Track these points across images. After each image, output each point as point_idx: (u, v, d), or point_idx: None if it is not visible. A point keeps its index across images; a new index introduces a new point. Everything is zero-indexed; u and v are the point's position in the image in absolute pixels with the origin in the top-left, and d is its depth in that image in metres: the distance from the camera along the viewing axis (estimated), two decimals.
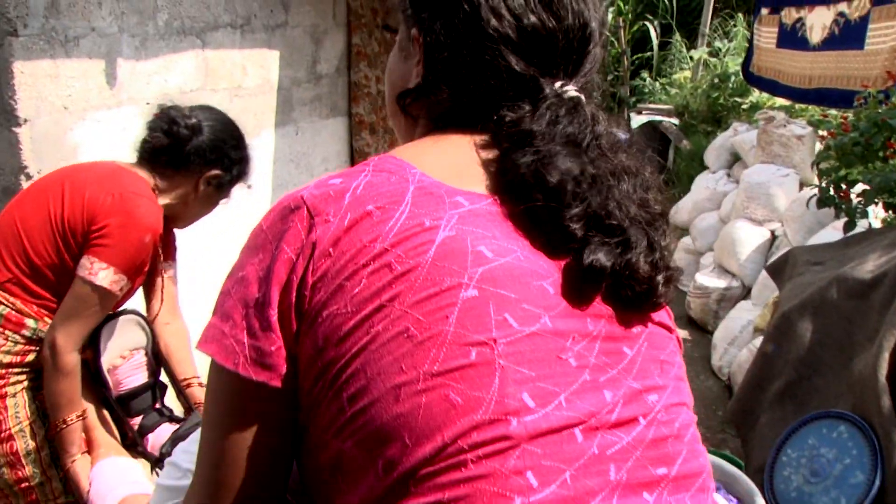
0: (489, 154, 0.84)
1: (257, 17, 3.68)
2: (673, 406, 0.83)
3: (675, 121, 8.25)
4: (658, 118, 8.40)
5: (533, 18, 0.84)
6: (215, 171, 2.05)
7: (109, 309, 1.87)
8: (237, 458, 0.78)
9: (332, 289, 0.74)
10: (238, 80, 3.61)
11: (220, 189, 2.11)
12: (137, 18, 2.82)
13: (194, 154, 1.99)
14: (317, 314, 0.75)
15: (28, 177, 2.46)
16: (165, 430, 2.02)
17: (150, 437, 2.02)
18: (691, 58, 9.16)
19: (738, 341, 4.46)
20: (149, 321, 2.13)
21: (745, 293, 5.07)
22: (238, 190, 3.67)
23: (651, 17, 11.02)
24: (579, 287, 0.78)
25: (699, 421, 3.22)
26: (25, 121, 2.42)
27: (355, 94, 4.80)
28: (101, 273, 1.75)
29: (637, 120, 8.58)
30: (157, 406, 2.09)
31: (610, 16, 11.18)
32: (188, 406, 2.17)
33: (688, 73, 9.14)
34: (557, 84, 0.86)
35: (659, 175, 0.89)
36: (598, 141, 0.84)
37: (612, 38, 11.19)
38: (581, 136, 0.82)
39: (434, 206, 0.77)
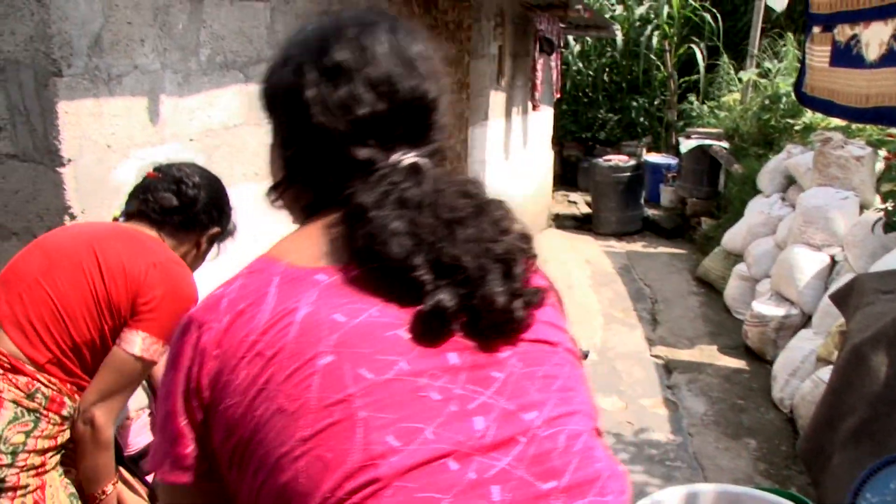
0: (340, 231, 0.91)
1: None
2: (556, 419, 0.87)
3: (726, 144, 8.08)
4: (708, 142, 8.24)
5: (363, 109, 0.92)
6: (216, 229, 2.06)
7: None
8: None
9: (221, 385, 0.84)
10: None
11: (214, 244, 2.12)
12: (180, 55, 2.79)
13: (203, 214, 2.00)
14: (215, 410, 0.85)
15: (72, 216, 2.42)
16: None
17: None
18: (740, 79, 8.99)
19: (800, 372, 4.29)
20: (150, 381, 2.09)
21: (805, 321, 4.89)
22: (283, 225, 3.63)
23: (697, 40, 10.87)
24: (430, 329, 0.84)
25: (761, 456, 3.05)
26: (69, 161, 2.39)
27: None
28: (151, 347, 1.73)
29: (686, 144, 8.43)
30: None
31: (655, 39, 11.08)
32: None
33: (737, 96, 8.97)
34: (394, 157, 0.93)
35: (508, 212, 0.95)
36: (437, 198, 0.89)
37: (659, 62, 11.09)
38: (416, 198, 0.88)
39: (296, 290, 0.86)
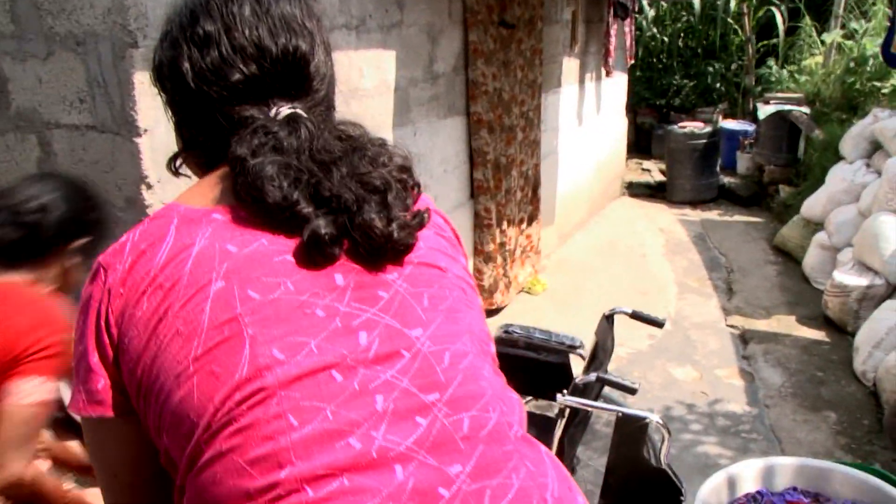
0: (229, 180, 0.98)
1: (372, 18, 3.64)
2: (442, 336, 0.95)
3: (806, 109, 7.81)
4: (787, 107, 7.98)
5: (235, 74, 0.99)
6: (79, 242, 1.84)
7: None
8: (116, 479, 1.01)
9: (126, 319, 0.92)
10: (355, 83, 3.58)
11: (90, 251, 1.86)
12: None
13: (56, 235, 1.78)
14: (121, 343, 0.92)
15: (148, 186, 2.48)
16: None
17: None
18: (823, 42, 8.66)
19: (884, 344, 4.14)
20: None
21: (890, 292, 4.72)
22: None
23: (777, 2, 10.48)
24: (312, 253, 0.92)
25: (842, 430, 2.95)
26: (145, 131, 2.43)
27: (473, 93, 4.72)
28: (44, 388, 1.64)
29: (764, 110, 8.18)
30: None
31: (733, 2, 10.73)
32: None
33: (819, 59, 8.65)
34: (273, 111, 1.00)
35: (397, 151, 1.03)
36: (313, 143, 0.96)
37: (736, 26, 10.74)
38: (293, 144, 0.95)
39: (194, 228, 0.94)
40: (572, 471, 2.86)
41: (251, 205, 0.94)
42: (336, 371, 0.88)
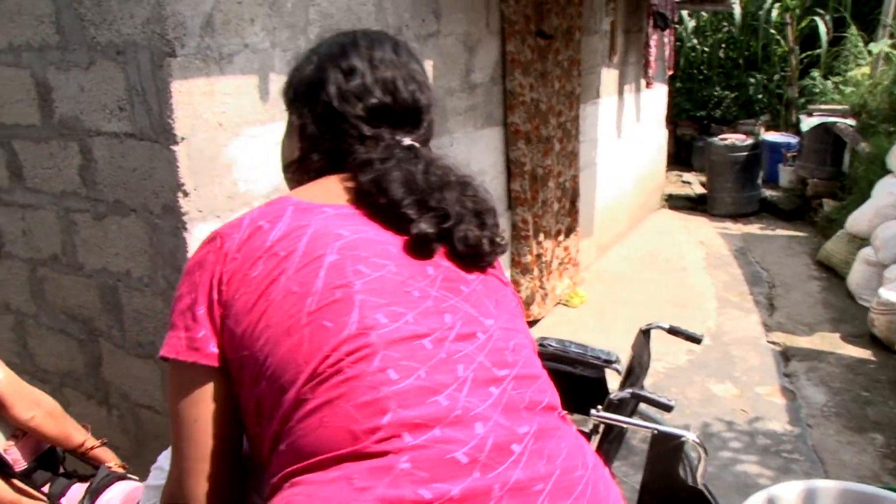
0: (347, 181, 1.18)
1: (409, 27, 3.63)
2: (507, 329, 1.14)
3: (851, 121, 7.65)
4: (832, 119, 7.82)
5: (372, 99, 1.21)
6: None
7: None
8: (195, 428, 1.07)
9: (239, 279, 1.05)
10: None
11: None
12: (289, 33, 2.81)
13: None
14: (232, 299, 1.05)
15: (185, 193, 2.48)
16: (76, 490, 2.17)
17: (63, 501, 2.15)
18: (870, 52, 8.48)
19: None
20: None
21: None
22: None
23: (821, 11, 10.31)
24: (415, 247, 1.11)
25: (890, 453, 2.85)
26: (182, 139, 2.44)
27: (511, 103, 4.69)
28: None
29: (808, 122, 8.03)
30: (62, 471, 2.24)
31: (775, 12, 10.59)
32: (95, 467, 2.26)
33: (866, 70, 8.48)
34: (398, 136, 1.21)
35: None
36: (429, 167, 1.17)
37: (779, 37, 10.59)
38: (413, 165, 1.16)
39: (307, 215, 1.11)
40: None
41: (369, 201, 1.14)
42: (427, 341, 1.04)
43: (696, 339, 2.67)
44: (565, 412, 1.17)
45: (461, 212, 1.15)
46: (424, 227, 1.11)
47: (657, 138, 8.48)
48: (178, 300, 1.10)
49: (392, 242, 1.12)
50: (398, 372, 1.00)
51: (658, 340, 2.83)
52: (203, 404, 1.07)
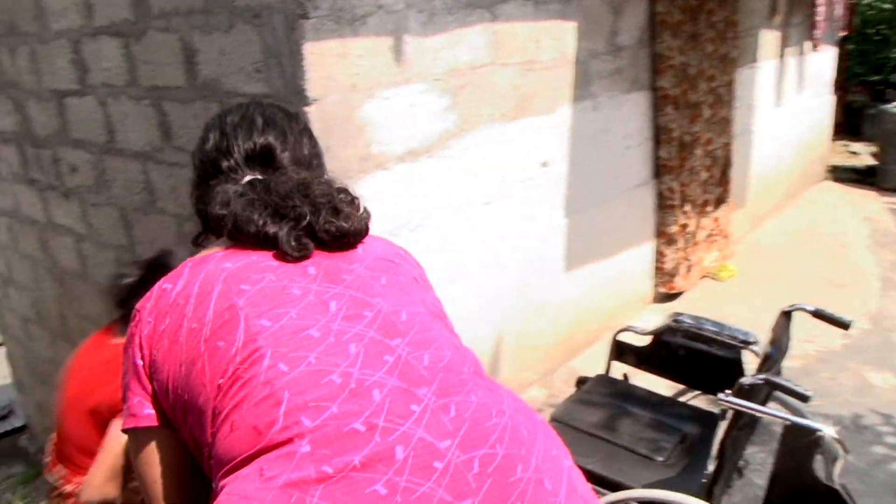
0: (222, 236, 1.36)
1: None
2: (398, 301, 1.25)
3: None
4: None
5: (224, 163, 1.40)
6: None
7: None
8: (154, 487, 1.23)
9: (155, 337, 1.21)
10: (531, 54, 3.48)
11: None
12: None
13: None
14: (153, 356, 1.21)
15: None
16: None
17: None
18: None
19: None
20: None
21: None
22: (533, 168, 3.58)
23: None
24: (287, 252, 1.25)
25: None
26: (315, 100, 2.46)
27: (659, 67, 4.48)
28: None
29: None
30: None
31: None
32: None
33: None
34: (242, 179, 1.36)
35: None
36: (269, 186, 1.31)
37: None
38: (250, 191, 1.31)
39: (201, 265, 1.25)
40: (739, 473, 2.66)
41: (239, 238, 1.29)
42: (313, 330, 1.14)
43: (843, 325, 2.45)
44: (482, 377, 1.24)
45: (313, 209, 1.28)
46: (283, 236, 1.25)
47: (822, 105, 7.92)
48: (124, 376, 1.26)
49: (272, 259, 1.25)
50: (288, 364, 1.10)
51: (811, 320, 2.63)
52: (154, 463, 1.23)
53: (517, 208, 3.61)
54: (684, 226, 4.97)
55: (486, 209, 3.40)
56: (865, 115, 9.88)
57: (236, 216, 1.27)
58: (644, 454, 2.39)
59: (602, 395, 2.75)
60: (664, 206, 4.81)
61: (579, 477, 1.18)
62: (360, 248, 1.34)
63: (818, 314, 2.49)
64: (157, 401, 1.21)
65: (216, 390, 1.11)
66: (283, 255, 1.25)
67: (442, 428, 1.08)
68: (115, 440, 1.93)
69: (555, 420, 2.56)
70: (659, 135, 4.67)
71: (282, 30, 2.42)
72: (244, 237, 1.27)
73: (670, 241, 4.88)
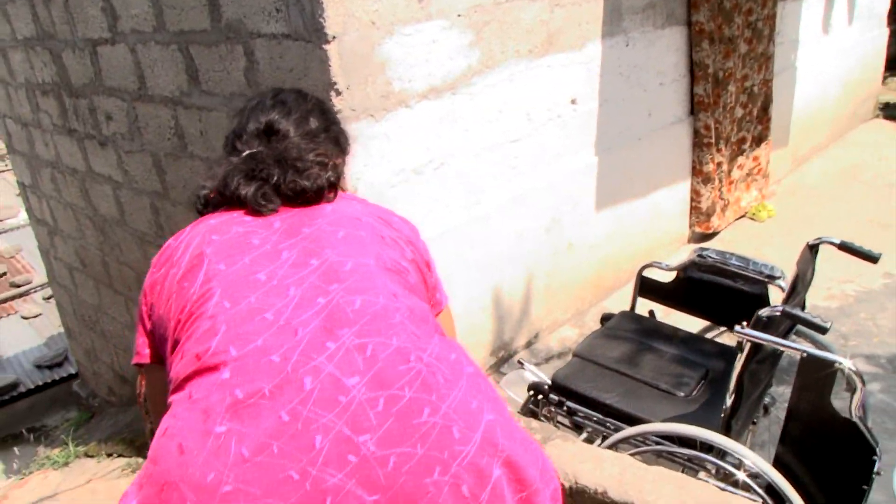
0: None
1: None
2: (347, 252, 1.36)
3: None
4: None
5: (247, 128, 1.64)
6: None
7: None
8: (155, 403, 1.50)
9: (156, 284, 1.43)
10: None
11: None
12: None
13: None
14: (153, 299, 1.43)
15: (338, 92, 2.51)
16: None
17: None
18: None
19: None
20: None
21: None
22: (561, 106, 3.53)
23: None
24: (252, 208, 1.46)
25: None
26: (334, 37, 2.45)
27: (695, 1, 4.36)
28: None
29: None
30: None
31: None
32: None
33: None
34: (247, 151, 1.58)
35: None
36: (256, 157, 1.54)
37: None
38: (239, 162, 1.55)
39: (198, 224, 1.48)
40: (766, 411, 2.64)
41: (222, 201, 1.51)
42: (261, 274, 1.30)
43: (872, 258, 2.40)
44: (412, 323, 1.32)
45: (281, 171, 1.48)
46: (248, 192, 1.46)
47: (874, 38, 7.64)
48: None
49: (245, 215, 1.45)
50: (231, 301, 1.25)
51: (852, 260, 2.56)
52: (153, 392, 1.48)
53: (546, 146, 3.57)
54: (720, 164, 4.88)
55: (513, 147, 3.37)
56: None
57: (220, 182, 1.51)
58: (665, 389, 2.39)
59: (626, 331, 2.74)
60: (700, 143, 4.72)
61: (507, 434, 1.19)
62: (330, 206, 1.50)
63: (844, 247, 2.44)
64: (153, 340, 1.44)
65: (176, 324, 1.29)
66: (253, 211, 1.45)
67: (353, 366, 1.16)
68: None
69: (576, 355, 2.57)
70: (695, 71, 4.56)
71: None
72: (225, 199, 1.50)
73: (706, 179, 4.79)
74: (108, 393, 5.95)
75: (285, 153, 1.52)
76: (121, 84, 3.69)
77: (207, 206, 2.17)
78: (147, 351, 1.45)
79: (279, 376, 1.13)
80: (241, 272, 1.29)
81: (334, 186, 1.58)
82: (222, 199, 1.51)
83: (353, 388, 1.13)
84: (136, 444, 4.39)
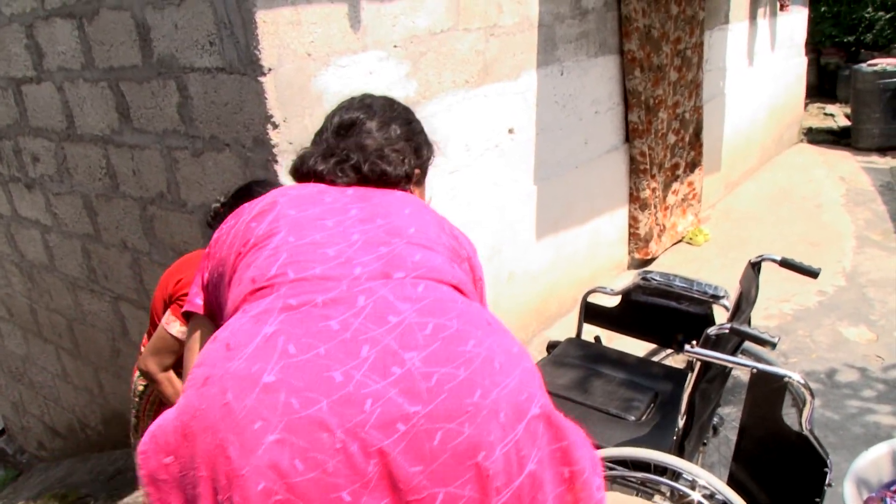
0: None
1: None
2: (412, 223, 1.38)
3: None
4: None
5: (333, 124, 1.64)
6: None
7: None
8: (192, 354, 1.45)
9: (220, 242, 1.44)
10: (493, 18, 3.43)
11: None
12: None
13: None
14: (215, 260, 1.43)
15: (274, 125, 2.47)
16: None
17: None
18: None
19: None
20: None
21: None
22: (499, 135, 3.54)
23: None
24: (328, 177, 1.51)
25: None
26: (269, 70, 2.41)
27: (626, 30, 4.44)
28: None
29: None
30: None
31: None
32: None
33: None
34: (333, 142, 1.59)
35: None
36: (338, 145, 1.56)
37: None
38: (329, 150, 1.55)
39: (273, 195, 1.46)
40: (715, 431, 2.65)
41: (299, 176, 1.56)
42: (329, 221, 1.35)
43: (811, 273, 2.44)
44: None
45: (365, 154, 1.51)
46: (328, 166, 1.50)
47: (795, 67, 7.92)
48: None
49: (327, 193, 1.44)
50: (296, 237, 1.30)
51: (786, 279, 2.61)
52: (194, 343, 1.45)
53: (484, 176, 3.57)
54: (654, 189, 4.96)
55: (451, 178, 3.36)
56: (839, 77, 9.91)
57: (297, 160, 1.56)
58: (616, 414, 2.37)
59: (573, 357, 2.73)
60: (637, 170, 4.79)
61: (536, 381, 1.22)
62: (406, 209, 1.44)
63: (785, 263, 2.47)
64: (207, 294, 1.45)
65: (237, 256, 1.34)
66: (330, 182, 1.49)
67: (406, 294, 1.21)
68: (164, 326, 2.18)
69: None
70: (629, 99, 4.64)
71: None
72: (301, 176, 1.54)
73: (643, 205, 4.86)
74: (37, 447, 5.70)
75: (365, 144, 1.54)
76: (48, 124, 3.59)
77: (216, 218, 2.20)
78: (199, 302, 1.46)
79: (333, 292, 1.19)
80: (311, 217, 1.34)
81: (410, 180, 1.58)
82: (297, 178, 1.56)
83: (404, 311, 1.17)
84: (70, 499, 4.19)
